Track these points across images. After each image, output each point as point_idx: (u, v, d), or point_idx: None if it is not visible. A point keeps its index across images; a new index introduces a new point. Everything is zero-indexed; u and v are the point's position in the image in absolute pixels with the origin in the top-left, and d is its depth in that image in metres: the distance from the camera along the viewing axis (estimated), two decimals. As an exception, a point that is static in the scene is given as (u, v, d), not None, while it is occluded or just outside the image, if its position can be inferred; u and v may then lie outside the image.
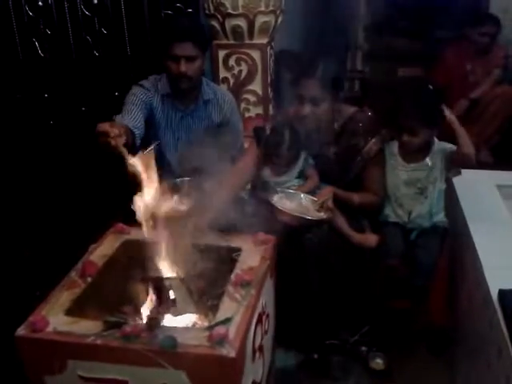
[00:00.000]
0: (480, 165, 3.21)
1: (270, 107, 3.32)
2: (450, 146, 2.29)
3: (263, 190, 2.28)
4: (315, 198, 2.21)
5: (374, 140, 2.31)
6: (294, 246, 2.16)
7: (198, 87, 2.48)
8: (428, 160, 2.31)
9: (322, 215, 2.16)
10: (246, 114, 3.27)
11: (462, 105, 3.46)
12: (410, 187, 2.35)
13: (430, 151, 2.31)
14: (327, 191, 2.23)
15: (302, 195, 2.24)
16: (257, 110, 3.29)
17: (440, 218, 2.38)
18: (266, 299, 1.84)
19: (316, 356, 2.30)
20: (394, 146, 2.38)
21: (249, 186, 2.49)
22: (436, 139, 2.33)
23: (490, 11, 3.86)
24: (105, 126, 1.71)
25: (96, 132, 1.74)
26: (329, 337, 2.33)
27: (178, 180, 2.26)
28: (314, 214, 2.17)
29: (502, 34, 3.62)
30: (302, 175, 2.33)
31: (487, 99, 3.40)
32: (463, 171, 2.56)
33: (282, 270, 2.01)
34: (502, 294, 1.71)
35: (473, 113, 3.46)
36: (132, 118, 2.30)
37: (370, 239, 2.28)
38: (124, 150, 1.61)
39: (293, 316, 2.22)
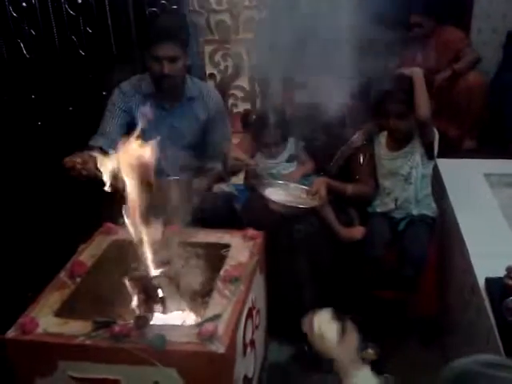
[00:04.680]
0: (466, 152, 3.22)
1: (257, 102, 3.32)
2: None
3: (256, 182, 2.31)
4: (308, 188, 2.27)
5: (360, 131, 2.36)
6: (284, 237, 2.18)
7: (181, 85, 2.47)
8: (409, 147, 2.37)
9: (315, 202, 2.21)
10: (234, 110, 3.28)
11: (444, 73, 3.34)
12: (394, 175, 2.40)
13: (412, 140, 2.37)
14: (321, 181, 2.27)
15: (294, 185, 2.28)
16: (244, 105, 3.29)
17: (427, 206, 2.40)
18: (256, 294, 1.86)
19: (307, 348, 2.31)
20: (382, 137, 2.45)
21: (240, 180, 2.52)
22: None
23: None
24: (70, 162, 1.85)
25: (64, 168, 1.86)
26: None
27: (166, 179, 2.25)
28: (306, 202, 2.22)
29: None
30: (292, 159, 2.39)
31: (460, 89, 3.31)
32: (451, 161, 2.58)
33: (272, 261, 2.02)
34: (489, 282, 1.72)
35: (451, 106, 3.38)
36: (106, 135, 2.38)
37: (355, 233, 2.31)
38: (99, 173, 1.67)
39: (284, 307, 2.24)
